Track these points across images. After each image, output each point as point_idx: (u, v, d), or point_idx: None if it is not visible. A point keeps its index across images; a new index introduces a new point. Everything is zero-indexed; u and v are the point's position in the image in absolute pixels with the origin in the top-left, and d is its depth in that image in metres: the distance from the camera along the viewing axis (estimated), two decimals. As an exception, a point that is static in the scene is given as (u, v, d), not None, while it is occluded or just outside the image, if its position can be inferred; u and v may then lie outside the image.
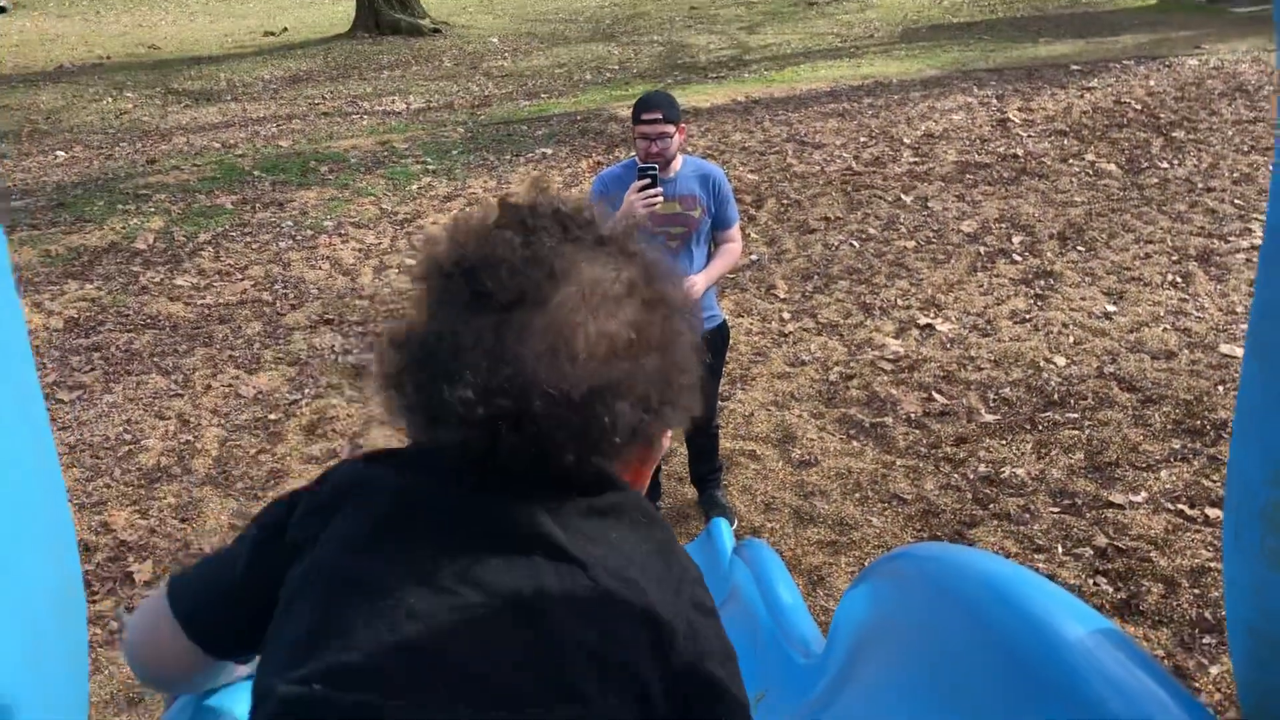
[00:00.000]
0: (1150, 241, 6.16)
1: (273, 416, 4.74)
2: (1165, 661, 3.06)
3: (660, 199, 3.18)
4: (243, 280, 6.40)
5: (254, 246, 6.98)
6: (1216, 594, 3.24)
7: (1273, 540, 1.07)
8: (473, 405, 0.83)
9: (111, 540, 3.89)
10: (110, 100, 12.76)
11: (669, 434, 0.98)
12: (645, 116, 3.24)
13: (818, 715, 1.77)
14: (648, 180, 3.14)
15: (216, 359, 5.34)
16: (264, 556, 0.96)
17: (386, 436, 4.52)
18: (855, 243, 6.48)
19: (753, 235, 6.73)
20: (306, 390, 4.97)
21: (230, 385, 5.05)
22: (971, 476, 4.01)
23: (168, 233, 7.27)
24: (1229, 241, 6.06)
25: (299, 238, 7.11)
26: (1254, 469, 1.11)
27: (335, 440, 4.52)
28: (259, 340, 5.54)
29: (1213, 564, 3.38)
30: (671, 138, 3.26)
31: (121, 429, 4.68)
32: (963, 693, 1.40)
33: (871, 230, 6.67)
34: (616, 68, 13.73)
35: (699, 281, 3.33)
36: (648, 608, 0.85)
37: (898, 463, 4.14)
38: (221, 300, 6.10)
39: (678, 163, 3.38)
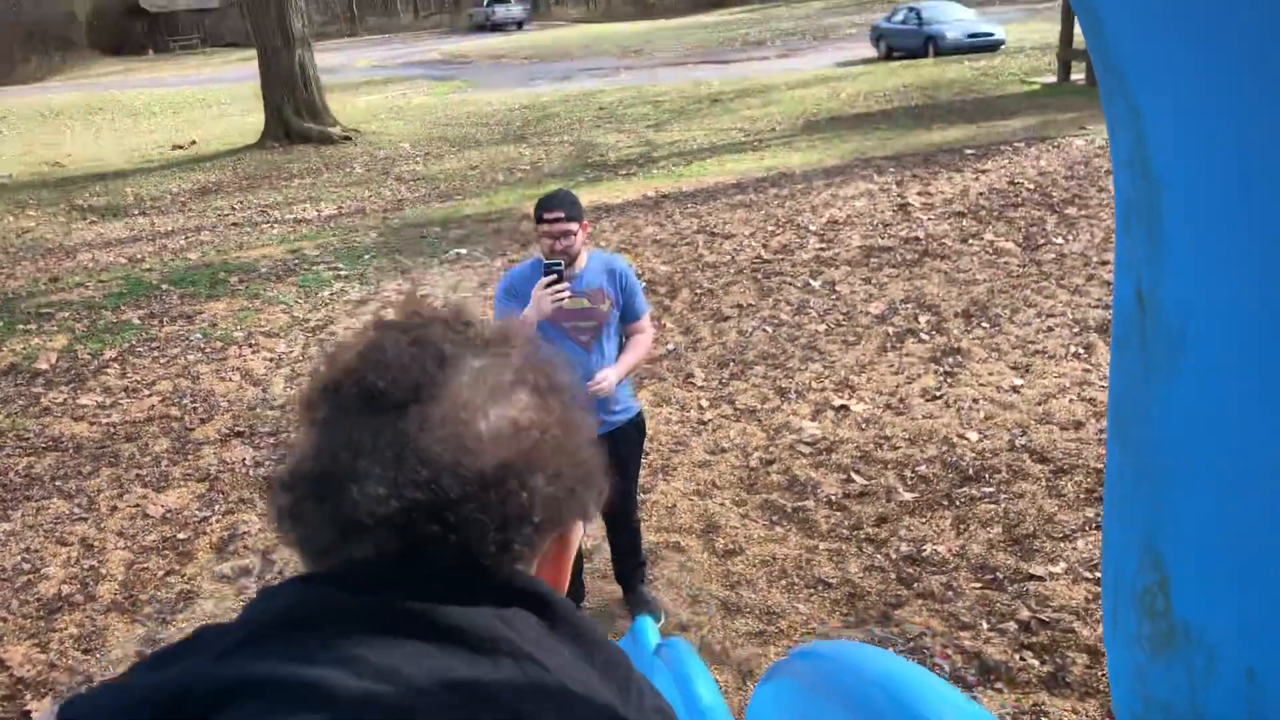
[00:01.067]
0: (1051, 315, 6.35)
1: (182, 535, 4.59)
2: (1094, 732, 3.06)
3: (567, 293, 3.19)
4: (150, 396, 6.25)
5: (161, 361, 6.83)
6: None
7: (1148, 627, 1.07)
8: (385, 500, 0.80)
9: (7, 678, 3.69)
10: (12, 219, 12.53)
11: (580, 526, 0.95)
12: (548, 215, 3.27)
13: None
14: (554, 276, 3.16)
15: (122, 479, 5.17)
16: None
17: (301, 550, 4.39)
18: (768, 328, 6.57)
19: (668, 325, 6.79)
20: (217, 506, 4.83)
21: (137, 505, 4.89)
22: (894, 556, 4.02)
23: (71, 351, 7.08)
24: (1125, 311, 6.28)
25: (208, 350, 6.98)
26: (1126, 555, 1.12)
27: (248, 557, 4.38)
28: (167, 457, 5.39)
29: (1133, 630, 3.42)
30: (575, 235, 3.29)
31: (19, 558, 4.48)
32: None
33: (783, 315, 6.78)
34: (528, 168, 13.90)
35: (612, 375, 3.33)
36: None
37: (821, 546, 4.14)
38: (128, 418, 5.94)
39: (583, 258, 3.40)
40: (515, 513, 0.83)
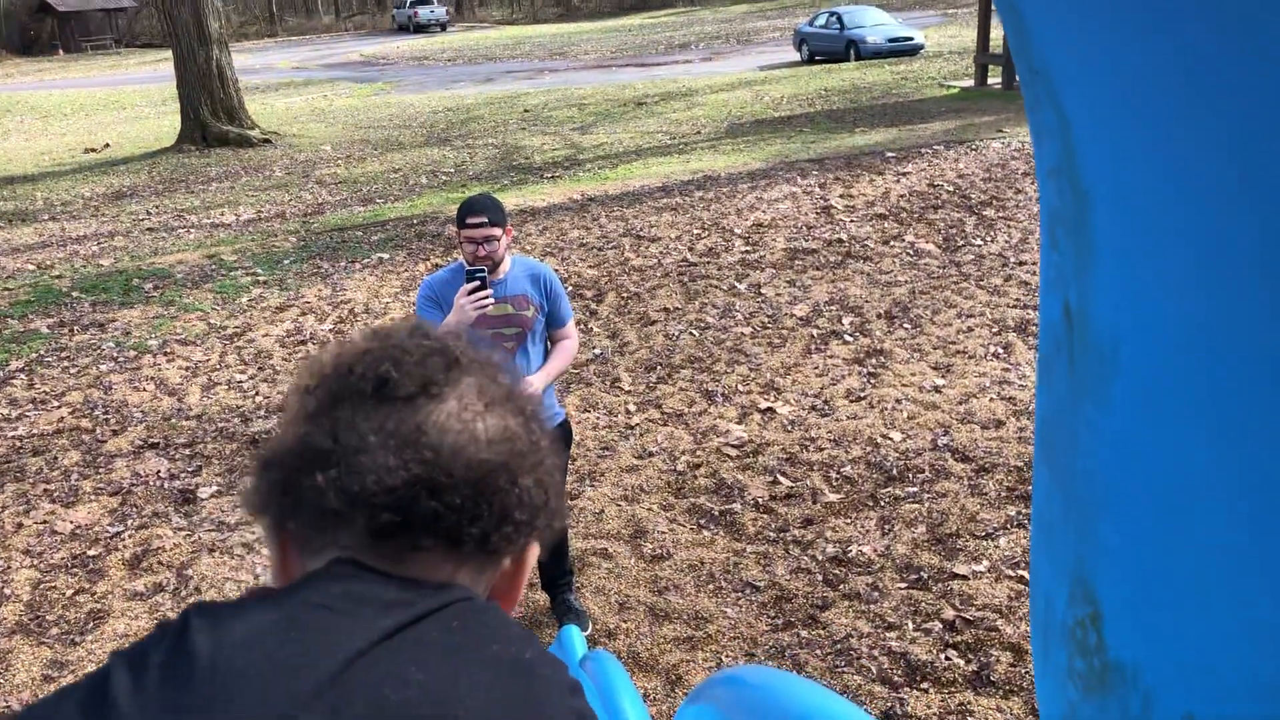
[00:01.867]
0: (971, 315, 6.44)
1: (92, 552, 4.43)
2: (1017, 728, 3.10)
3: (491, 301, 3.15)
4: (59, 407, 6.04)
5: (72, 371, 6.61)
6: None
7: (1080, 663, 1.03)
8: (394, 470, 0.84)
9: (-94, 705, 3.53)
10: (-89, 225, 12.05)
11: (535, 550, 0.98)
12: (471, 220, 3.21)
13: None
14: (477, 283, 3.11)
15: (29, 494, 4.99)
16: None
17: (216, 564, 4.27)
18: (695, 332, 6.58)
19: (595, 329, 6.76)
20: (130, 521, 4.68)
21: (44, 522, 4.71)
22: (820, 558, 4.03)
23: (-26, 362, 6.82)
24: (1042, 311, 6.40)
25: (121, 359, 6.78)
26: (1056, 586, 1.08)
27: (161, 573, 4.24)
28: (77, 470, 5.21)
29: (1053, 626, 3.48)
30: (498, 240, 3.24)
31: (-81, 579, 4.29)
32: None
33: (710, 319, 6.79)
34: (452, 171, 13.76)
35: (537, 381, 3.29)
36: None
37: (748, 549, 4.14)
38: (35, 430, 5.73)
39: (506, 264, 3.36)
40: (501, 507, 0.88)
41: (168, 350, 6.90)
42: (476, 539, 0.88)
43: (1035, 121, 1.01)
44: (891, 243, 8.15)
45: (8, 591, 4.16)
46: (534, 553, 0.98)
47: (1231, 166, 0.78)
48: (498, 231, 3.23)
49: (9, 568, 4.34)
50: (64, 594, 4.14)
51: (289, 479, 0.88)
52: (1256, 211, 0.78)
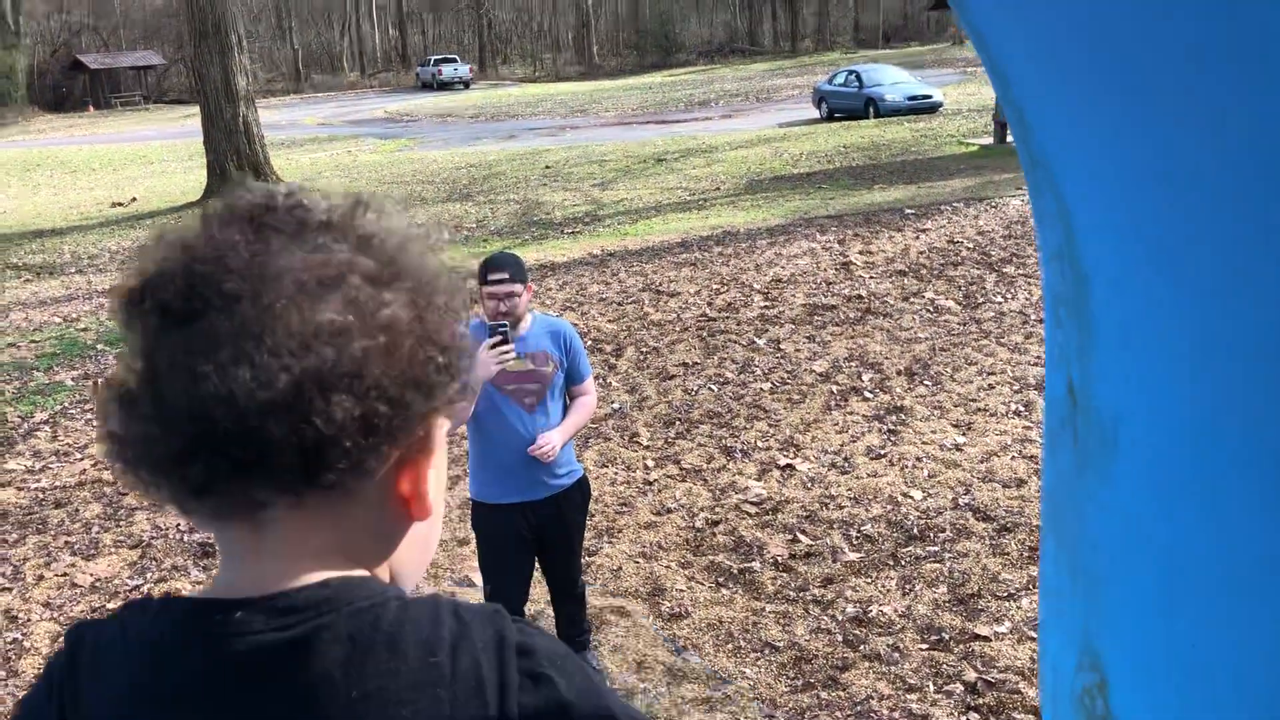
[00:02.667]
0: (992, 373, 6.43)
1: (111, 605, 4.44)
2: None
3: (512, 355, 3.17)
4: (82, 460, 6.08)
5: (94, 424, 6.66)
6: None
7: None
8: (175, 439, 0.73)
9: (-77, 759, 3.53)
10: (-58, 277, 12.24)
11: (443, 424, 0.86)
12: (492, 277, 3.25)
13: None
14: (499, 338, 3.14)
15: (50, 546, 5.01)
16: None
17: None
18: (714, 387, 6.58)
19: (613, 383, 6.77)
20: (149, 574, 4.69)
21: (65, 574, 4.73)
22: (840, 618, 4.00)
23: (0, 415, 6.89)
24: (1063, 369, 6.38)
25: (144, 412, 6.83)
26: (1064, 652, 1.09)
27: (180, 627, 4.24)
28: (98, 523, 5.23)
29: (1078, 690, 3.43)
30: (519, 296, 3.27)
31: (-61, 631, 4.31)
32: None
33: (729, 374, 6.79)
34: (474, 226, 13.90)
35: (556, 438, 3.31)
36: None
37: (767, 608, 4.10)
38: (58, 483, 5.77)
39: (527, 321, 3.38)
40: (313, 439, 0.73)
41: (190, 403, 6.96)
42: (300, 475, 0.75)
43: (1038, 208, 1.03)
44: (911, 299, 8.16)
45: (28, 645, 4.17)
46: (439, 431, 0.85)
47: (1221, 257, 0.80)
48: (519, 288, 3.26)
49: (29, 620, 4.35)
50: (82, 647, 4.14)
51: (115, 428, 0.77)
52: (1249, 300, 0.79)
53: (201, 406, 0.72)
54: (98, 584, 4.62)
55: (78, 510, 5.39)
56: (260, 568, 0.79)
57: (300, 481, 0.75)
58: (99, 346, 8.48)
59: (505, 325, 3.17)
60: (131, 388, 0.76)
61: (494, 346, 3.13)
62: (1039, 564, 1.13)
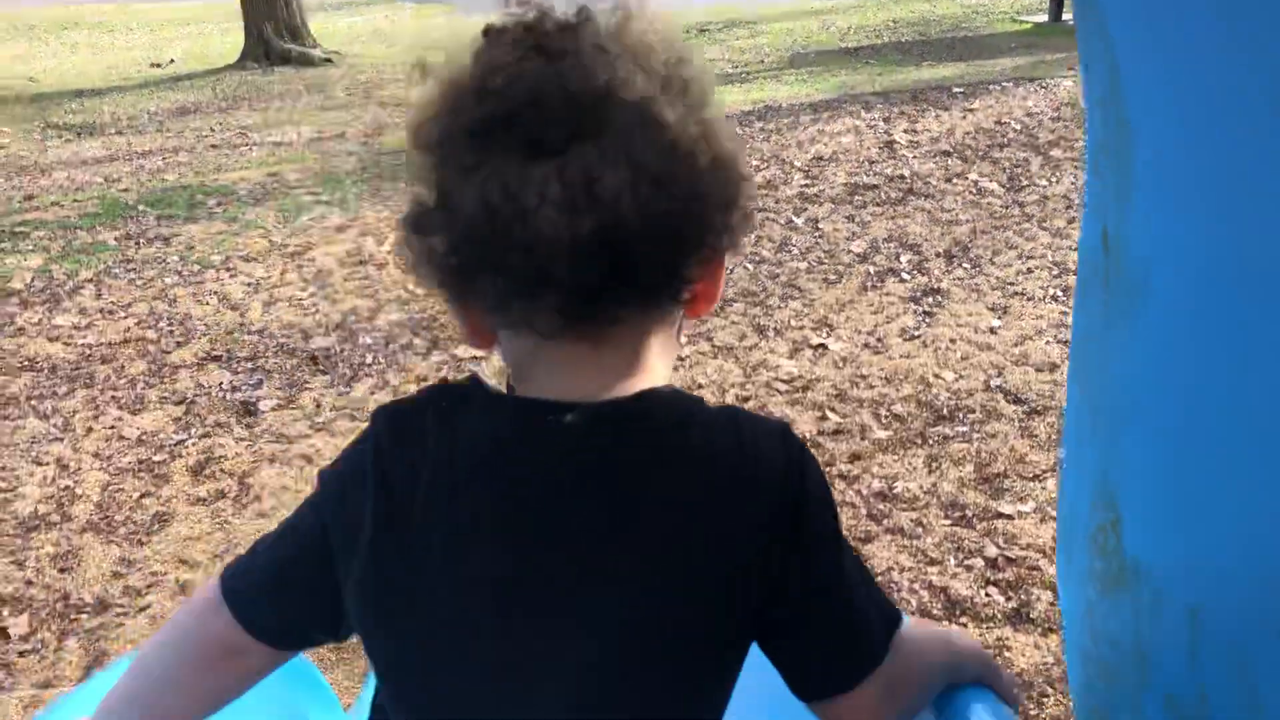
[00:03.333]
0: (1031, 257, 6.36)
1: (158, 458, 4.59)
2: (1054, 668, 3.13)
3: None
4: (126, 318, 6.20)
5: (138, 284, 6.78)
6: (1100, 598, 3.35)
7: (1100, 564, 1.09)
8: (562, 269, 0.78)
9: (-16, 595, 3.72)
10: (-16, 135, 12.30)
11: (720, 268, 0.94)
12: None
13: None
14: None
15: (98, 400, 5.16)
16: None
17: (278, 475, 4.41)
18: (749, 265, 6.56)
19: (649, 260, 6.77)
20: (193, 430, 4.83)
21: (113, 428, 4.88)
22: (866, 493, 4.07)
23: (46, 271, 7.01)
24: (1105, 255, 6.30)
25: (185, 273, 6.93)
26: (1080, 493, 1.13)
27: (224, 480, 4.39)
28: (143, 380, 5.37)
29: (1096, 569, 3.49)
30: None
31: (-5, 477, 4.49)
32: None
33: (765, 253, 6.76)
34: (512, 95, 13.70)
35: None
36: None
37: (794, 482, 4.18)
38: (104, 339, 5.90)
39: None
40: (672, 259, 0.81)
41: (230, 266, 7.04)
42: (670, 292, 0.84)
43: (1086, 50, 1.03)
44: (954, 180, 8.03)
45: (79, 492, 4.34)
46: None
47: (1266, 101, 0.80)
48: None
49: (80, 469, 4.51)
50: (131, 497, 4.30)
51: (460, 256, 0.80)
52: None
53: (601, 234, 0.76)
54: (144, 438, 4.77)
55: (123, 367, 5.53)
56: (587, 377, 0.86)
57: (659, 294, 0.84)
58: (140, 207, 8.55)
59: None
60: (482, 218, 0.78)
61: None
62: (1064, 413, 1.18)
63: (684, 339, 1.01)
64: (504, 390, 0.90)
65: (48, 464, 4.57)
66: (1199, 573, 0.96)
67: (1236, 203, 0.84)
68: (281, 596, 0.94)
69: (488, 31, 0.85)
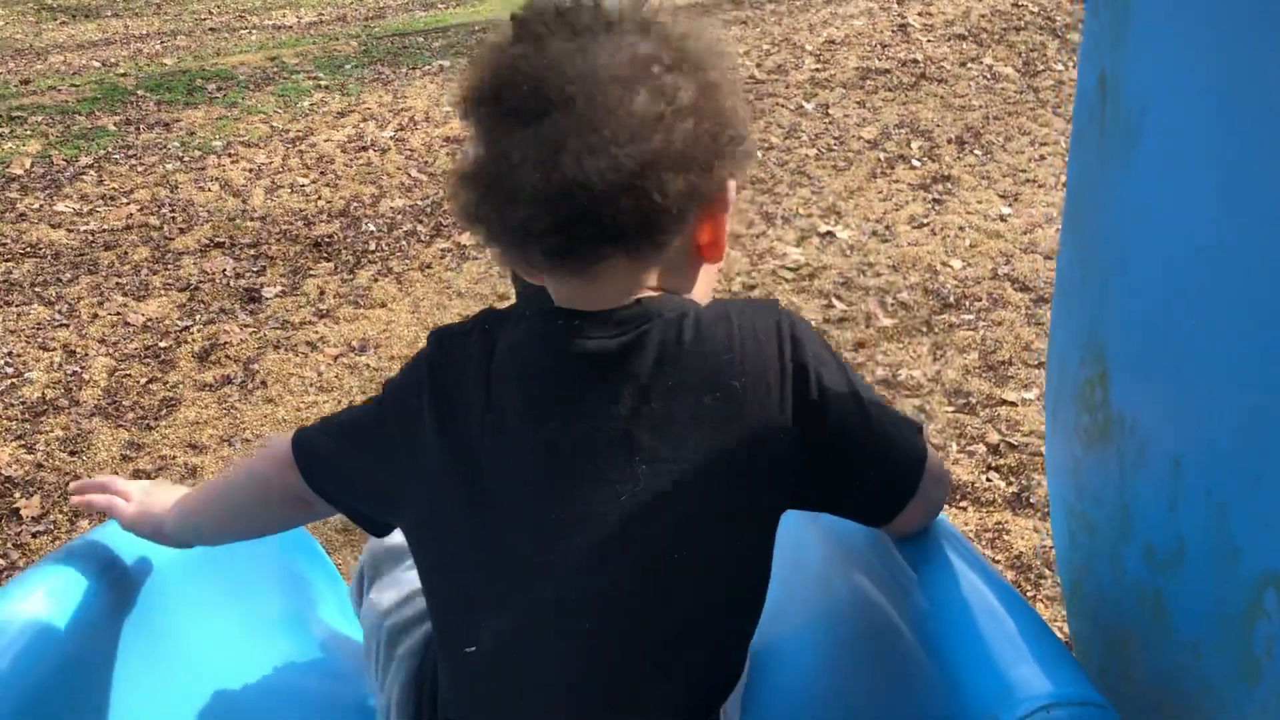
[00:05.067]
0: (1045, 144, 6.25)
1: (163, 344, 4.60)
2: (1052, 552, 3.17)
3: None
4: (128, 204, 6.15)
5: (139, 169, 6.70)
6: (1100, 484, 3.37)
7: (1085, 419, 1.09)
8: (536, 219, 0.91)
9: (-4, 477, 3.77)
10: (-22, 17, 12.04)
11: (733, 183, 1.03)
12: None
13: None
14: None
15: (102, 286, 5.15)
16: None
17: (282, 361, 4.42)
18: (758, 152, 6.46)
19: (655, 146, 6.67)
20: (198, 316, 4.83)
21: (118, 314, 4.88)
22: (870, 380, 4.07)
23: (46, 156, 6.93)
24: (1120, 142, 6.18)
25: (186, 159, 6.84)
26: (1069, 350, 1.12)
27: (229, 366, 4.40)
28: (147, 266, 5.35)
29: (1097, 455, 3.51)
30: None
31: (2, 362, 4.50)
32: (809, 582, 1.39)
33: (774, 139, 6.65)
34: (516, -23, 13.34)
35: None
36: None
37: (798, 369, 4.18)
38: (106, 226, 5.87)
39: None
40: (651, 209, 0.92)
41: (231, 152, 6.95)
42: (637, 235, 0.94)
43: None
44: (968, 65, 7.84)
45: (87, 377, 4.36)
46: (731, 190, 1.03)
47: None
48: None
49: (87, 354, 4.53)
50: (138, 382, 4.32)
51: (473, 204, 0.98)
52: None
53: (563, 191, 0.89)
54: (149, 324, 4.78)
55: (126, 253, 5.51)
56: (594, 292, 0.99)
57: (638, 242, 0.95)
58: (139, 92, 8.41)
59: None
60: (483, 173, 0.96)
61: None
62: (1055, 269, 1.16)
63: (718, 277, 1.14)
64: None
65: (54, 350, 4.58)
66: (1181, 422, 0.96)
67: (1234, 39, 0.81)
68: (344, 477, 1.12)
69: (512, 17, 1.02)
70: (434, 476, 1.00)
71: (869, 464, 1.01)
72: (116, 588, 1.15)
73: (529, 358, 0.99)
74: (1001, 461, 3.53)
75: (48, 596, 1.07)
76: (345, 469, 1.11)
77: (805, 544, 1.32)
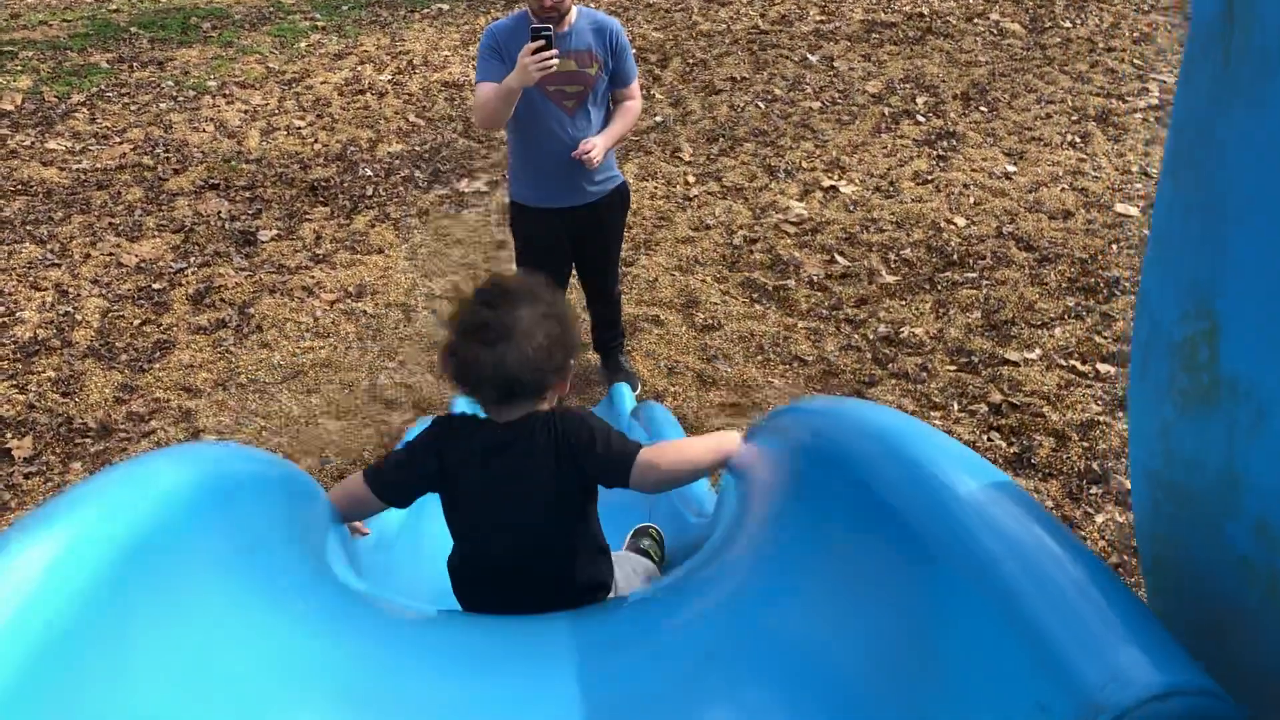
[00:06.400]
0: (1051, 102, 6.17)
1: (157, 286, 4.54)
2: (1053, 512, 3.15)
3: (556, 62, 2.97)
4: (121, 143, 6.05)
5: (132, 108, 6.59)
6: (1104, 446, 3.35)
7: (1184, 380, 1.01)
8: (493, 387, 1.77)
9: (-13, 417, 3.72)
10: (-33, -51, 11.79)
11: (570, 370, 1.89)
12: None
13: (704, 572, 1.75)
14: (542, 41, 2.91)
15: (95, 226, 5.07)
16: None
17: (277, 305, 4.36)
18: (761, 104, 6.38)
19: (657, 95, 6.57)
20: (192, 259, 4.76)
21: (111, 254, 4.81)
22: (871, 337, 4.04)
23: (37, 92, 6.81)
24: (1127, 101, 6.11)
25: (180, 98, 6.73)
26: (1166, 303, 1.04)
27: (224, 310, 4.35)
28: (140, 206, 5.27)
29: (1102, 418, 3.48)
30: None
31: (-6, 301, 4.44)
32: (845, 550, 1.35)
33: (777, 91, 6.56)
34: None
35: (599, 143, 3.19)
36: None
37: (799, 325, 4.14)
38: (99, 165, 5.77)
39: (573, 15, 3.20)
40: (547, 380, 1.79)
41: (226, 92, 6.84)
42: (543, 391, 1.81)
43: None
44: (975, 20, 7.73)
45: (79, 318, 4.30)
46: (567, 381, 1.90)
47: None
48: None
49: (79, 295, 4.47)
50: (131, 324, 4.27)
51: (454, 375, 1.78)
52: None
53: (509, 372, 1.72)
54: (143, 265, 4.71)
55: (119, 193, 5.42)
56: (508, 416, 1.81)
57: (541, 396, 1.81)
58: (133, 29, 8.25)
59: (549, 28, 2.92)
60: (460, 362, 1.75)
61: (537, 51, 2.92)
62: (1152, 214, 1.08)
63: (567, 391, 1.95)
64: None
65: (46, 289, 4.52)
66: None
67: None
68: (397, 486, 1.93)
69: (477, 289, 1.84)
70: (449, 495, 1.89)
71: (603, 461, 1.81)
72: (128, 534, 1.11)
73: (481, 444, 1.82)
74: (1003, 422, 3.51)
75: (55, 545, 1.02)
76: (398, 485, 1.93)
77: (882, 522, 1.26)
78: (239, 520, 1.41)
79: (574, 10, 3.19)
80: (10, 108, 6.52)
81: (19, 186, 5.49)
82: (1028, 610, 0.98)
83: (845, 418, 1.48)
